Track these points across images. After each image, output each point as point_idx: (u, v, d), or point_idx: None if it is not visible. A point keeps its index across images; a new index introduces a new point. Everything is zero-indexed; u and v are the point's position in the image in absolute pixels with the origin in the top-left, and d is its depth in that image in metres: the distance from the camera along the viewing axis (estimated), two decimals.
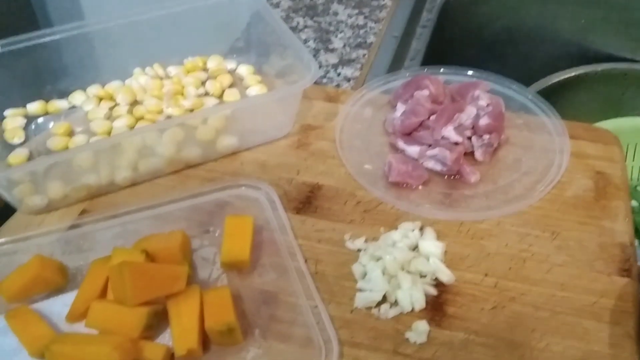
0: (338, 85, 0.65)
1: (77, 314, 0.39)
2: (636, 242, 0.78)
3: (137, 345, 0.36)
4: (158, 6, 0.59)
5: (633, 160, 0.88)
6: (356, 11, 0.77)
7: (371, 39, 0.73)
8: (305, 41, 0.72)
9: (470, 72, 0.59)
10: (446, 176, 0.50)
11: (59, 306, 0.40)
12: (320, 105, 0.58)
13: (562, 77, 0.92)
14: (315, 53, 0.70)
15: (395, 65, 0.73)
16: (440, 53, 0.84)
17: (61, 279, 0.41)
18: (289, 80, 0.58)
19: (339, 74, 0.67)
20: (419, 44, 0.79)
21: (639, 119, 0.89)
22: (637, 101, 0.91)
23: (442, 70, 0.59)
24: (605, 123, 0.88)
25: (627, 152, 0.88)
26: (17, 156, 0.51)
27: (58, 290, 0.41)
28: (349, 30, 0.74)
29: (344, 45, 0.71)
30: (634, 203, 0.84)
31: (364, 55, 0.70)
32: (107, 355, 0.34)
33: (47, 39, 0.55)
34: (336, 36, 0.73)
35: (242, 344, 0.38)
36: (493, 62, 1.01)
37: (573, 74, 0.92)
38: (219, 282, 0.41)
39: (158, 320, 0.38)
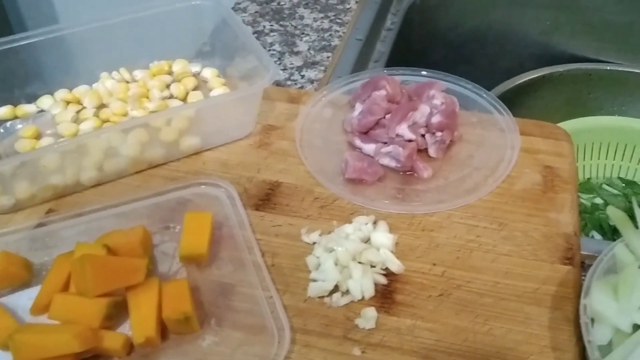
0: (302, 87, 0.68)
1: (40, 307, 0.40)
2: (599, 237, 0.82)
3: (98, 335, 0.38)
4: (126, 11, 0.61)
5: (599, 159, 0.91)
6: (322, 15, 0.80)
7: (335, 42, 0.75)
8: (271, 45, 0.74)
9: (424, 72, 0.61)
10: (401, 172, 0.53)
11: (23, 300, 0.41)
12: (283, 106, 0.60)
13: (528, 78, 0.95)
14: (281, 56, 0.72)
15: (359, 67, 0.75)
16: (405, 56, 0.87)
17: (26, 274, 0.42)
18: (252, 83, 0.60)
19: (303, 76, 0.69)
20: (383, 47, 0.81)
21: (604, 118, 0.93)
22: (601, 101, 0.94)
23: (399, 71, 0.62)
24: (570, 122, 0.92)
25: (592, 152, 0.91)
26: None
27: (23, 285, 0.43)
28: (314, 33, 0.76)
29: (309, 49, 0.74)
30: (599, 200, 0.87)
31: (328, 57, 0.72)
32: (68, 342, 0.36)
33: (15, 44, 0.57)
34: (301, 39, 0.75)
35: (199, 332, 0.40)
36: (460, 64, 1.05)
37: (538, 74, 0.95)
38: (178, 275, 0.43)
39: (118, 311, 0.40)
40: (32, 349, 0.37)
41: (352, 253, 0.43)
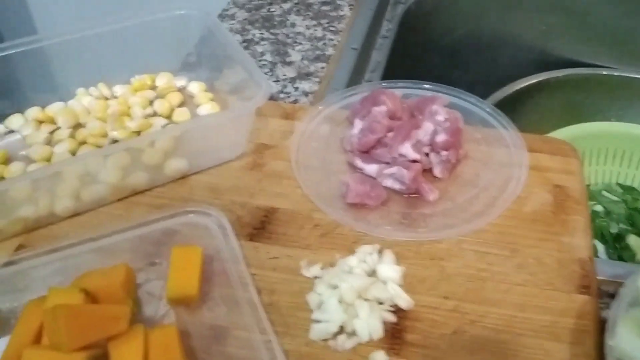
0: (296, 101, 0.64)
1: None
2: (602, 248, 0.80)
3: None
4: (105, 22, 0.56)
5: (597, 165, 0.89)
6: (314, 22, 0.76)
7: (330, 51, 0.71)
8: (262, 54, 0.70)
9: (427, 86, 0.58)
10: (405, 195, 0.49)
11: None
12: (276, 122, 0.56)
13: (524, 84, 0.93)
14: (272, 67, 0.68)
15: (355, 78, 0.72)
16: (401, 64, 0.83)
17: None
18: (243, 97, 0.56)
19: (296, 89, 0.66)
20: (379, 55, 0.78)
21: (602, 124, 0.91)
22: (599, 106, 0.92)
23: (399, 84, 0.58)
24: (567, 129, 0.89)
25: (590, 158, 0.89)
26: None
27: None
28: (307, 42, 0.72)
29: (302, 59, 0.70)
30: (599, 207, 0.85)
31: (322, 68, 0.68)
32: None
33: None
34: (294, 49, 0.71)
35: None
36: (455, 70, 1.02)
37: (535, 80, 0.93)
38: (166, 319, 0.39)
39: None
40: None
41: (357, 289, 0.39)
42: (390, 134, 0.51)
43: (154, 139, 0.48)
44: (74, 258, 0.42)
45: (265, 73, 0.67)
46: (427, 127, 0.51)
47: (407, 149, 0.50)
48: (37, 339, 0.36)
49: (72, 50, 0.55)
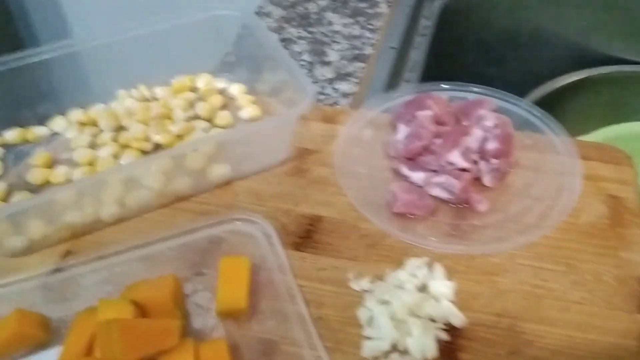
0: (335, 102, 0.62)
1: None
2: None
3: None
4: (144, 24, 0.56)
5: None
6: (352, 20, 0.74)
7: (368, 50, 0.69)
8: (300, 54, 0.68)
9: (475, 89, 0.56)
10: (453, 205, 0.48)
11: None
12: (318, 126, 0.55)
13: (563, 82, 0.90)
14: (310, 67, 0.66)
15: (394, 78, 0.70)
16: (439, 62, 0.81)
17: (43, 334, 0.38)
18: (283, 99, 0.55)
19: (335, 90, 0.64)
20: (417, 54, 0.76)
21: None
22: None
23: (444, 86, 0.57)
24: (608, 129, 0.86)
25: (633, 159, 0.86)
26: None
27: (40, 345, 0.38)
28: (345, 41, 0.71)
29: (340, 58, 0.68)
30: None
31: (361, 68, 0.67)
32: None
33: (25, 61, 0.52)
34: (332, 48, 0.70)
35: None
36: (490, 68, 0.99)
37: (575, 78, 0.90)
38: (215, 332, 0.38)
39: None
40: None
41: (409, 306, 0.38)
42: (437, 141, 0.50)
43: (198, 147, 0.47)
44: (120, 266, 0.42)
45: (306, 75, 0.65)
46: (477, 133, 0.49)
47: (456, 157, 0.48)
48: (89, 351, 0.36)
49: (112, 52, 0.54)
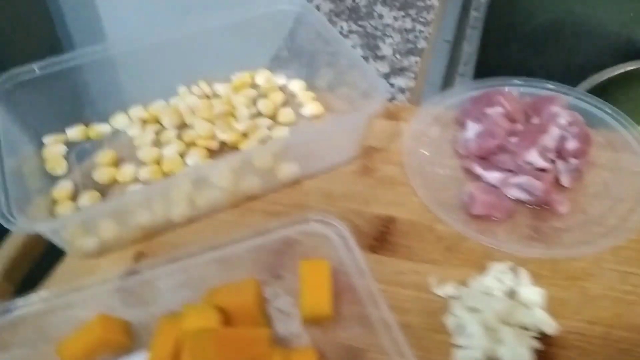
0: (393, 98, 0.61)
1: None
2: None
3: None
4: (203, 20, 0.54)
5: None
6: (402, 13, 0.72)
7: (422, 44, 0.67)
8: (352, 49, 0.67)
9: (549, 85, 0.54)
10: (531, 206, 0.46)
11: None
12: (381, 123, 0.54)
13: (609, 75, 0.87)
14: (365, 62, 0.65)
15: (450, 72, 0.68)
16: (489, 54, 0.79)
17: (126, 339, 0.37)
18: (342, 94, 0.54)
19: (392, 85, 0.62)
20: (470, 47, 0.74)
21: None
22: None
23: (513, 82, 0.55)
24: None
25: None
26: (61, 190, 0.46)
27: (123, 350, 0.37)
28: (397, 34, 0.69)
29: (394, 52, 0.66)
30: None
31: (416, 62, 0.65)
32: None
33: (86, 58, 0.51)
34: (384, 42, 0.68)
35: None
36: (533, 59, 0.97)
37: (621, 70, 0.87)
38: (301, 340, 0.37)
39: None
40: None
41: (500, 314, 0.37)
42: (512, 139, 0.48)
43: (272, 150, 0.46)
44: (196, 269, 0.41)
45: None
46: (554, 131, 0.47)
47: (534, 156, 0.46)
48: (175, 357, 0.35)
49: (171, 49, 0.53)
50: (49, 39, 0.83)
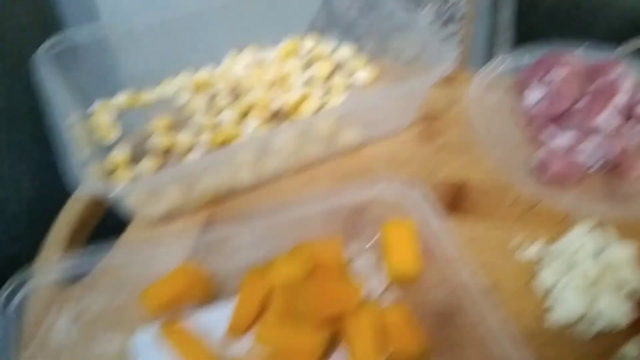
0: None
1: (238, 329, 0.34)
2: None
3: None
4: None
5: None
6: None
7: (463, 10, 0.66)
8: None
9: (606, 51, 0.52)
10: (604, 169, 0.45)
11: (212, 318, 0.35)
12: (436, 90, 0.52)
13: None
14: None
15: (493, 38, 0.67)
16: (525, 17, 0.77)
17: (208, 290, 0.36)
18: (391, 56, 0.52)
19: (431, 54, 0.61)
20: (507, 13, 0.72)
21: None
22: None
23: (578, 46, 0.53)
24: None
25: None
26: (118, 157, 0.44)
27: (207, 300, 0.36)
28: (437, 1, 0.67)
29: (435, 18, 0.65)
30: None
31: (459, 28, 0.63)
32: None
33: (129, 25, 0.48)
34: (423, 9, 0.66)
35: None
36: (555, 28, 0.95)
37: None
38: (385, 300, 0.36)
39: (330, 346, 0.33)
40: None
41: (592, 273, 0.36)
42: (580, 102, 0.47)
43: (337, 115, 0.44)
44: (271, 229, 0.38)
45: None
46: (623, 94, 0.46)
47: (606, 120, 0.45)
48: (263, 308, 0.34)
49: (217, 14, 0.51)
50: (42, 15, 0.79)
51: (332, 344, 0.33)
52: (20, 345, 0.35)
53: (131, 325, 0.35)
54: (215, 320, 0.35)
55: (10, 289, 0.34)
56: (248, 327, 0.34)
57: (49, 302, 0.36)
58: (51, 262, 0.37)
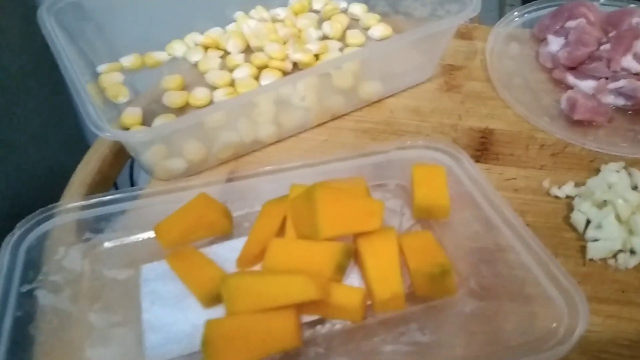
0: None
1: (250, 257, 0.32)
2: None
3: (326, 288, 0.29)
4: None
5: None
6: None
7: None
8: None
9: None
10: (629, 111, 0.44)
11: (226, 251, 0.33)
12: (455, 43, 0.51)
13: None
14: None
15: None
16: None
17: (227, 223, 0.34)
18: (402, 16, 0.51)
19: (447, 13, 0.60)
20: None
21: None
22: None
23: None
24: None
25: None
26: (131, 116, 0.43)
27: (224, 236, 0.34)
28: None
29: None
30: None
31: None
32: (302, 286, 0.28)
33: None
34: None
35: (457, 296, 0.32)
36: None
37: None
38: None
39: (348, 263, 0.31)
40: (253, 295, 0.28)
41: (631, 205, 0.35)
42: (603, 47, 0.46)
43: (363, 58, 0.42)
44: (296, 180, 0.37)
45: None
46: None
47: (631, 62, 0.44)
48: (279, 234, 0.32)
49: None
50: None
51: (348, 261, 0.31)
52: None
53: (144, 262, 0.33)
54: (226, 252, 0.33)
55: (27, 225, 0.32)
56: (260, 257, 0.32)
57: (64, 241, 0.34)
58: (70, 205, 0.35)
